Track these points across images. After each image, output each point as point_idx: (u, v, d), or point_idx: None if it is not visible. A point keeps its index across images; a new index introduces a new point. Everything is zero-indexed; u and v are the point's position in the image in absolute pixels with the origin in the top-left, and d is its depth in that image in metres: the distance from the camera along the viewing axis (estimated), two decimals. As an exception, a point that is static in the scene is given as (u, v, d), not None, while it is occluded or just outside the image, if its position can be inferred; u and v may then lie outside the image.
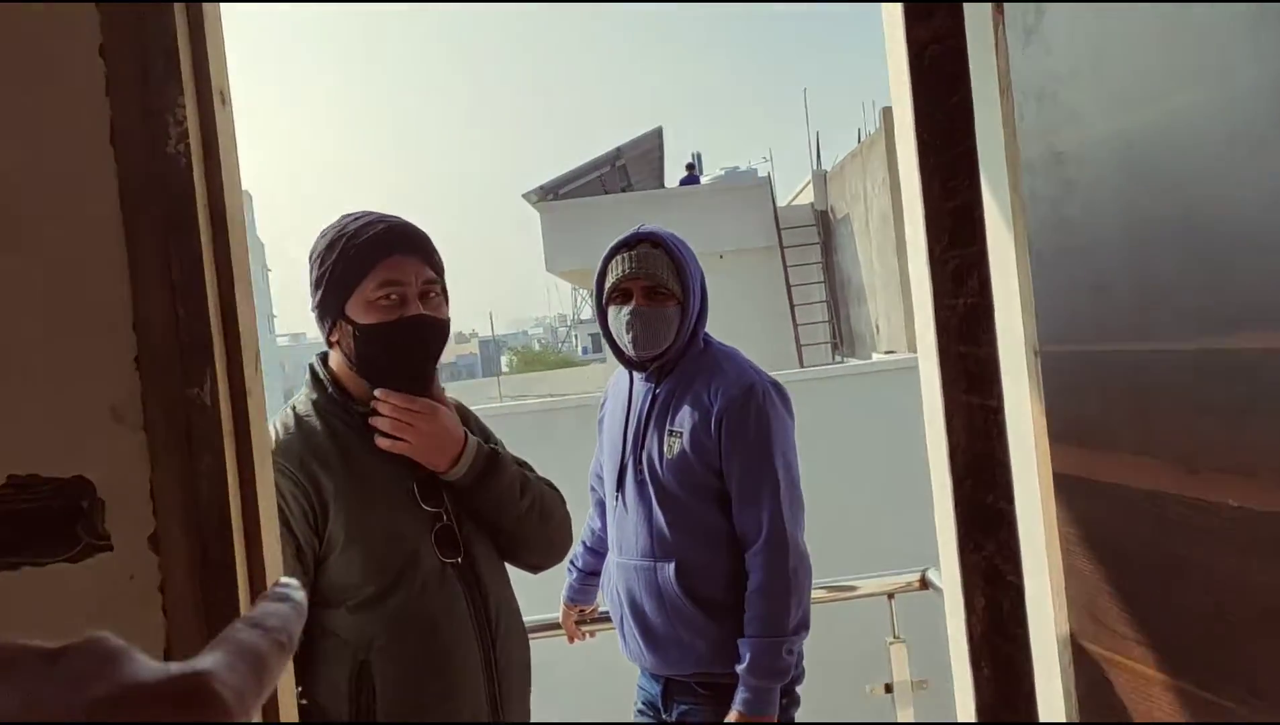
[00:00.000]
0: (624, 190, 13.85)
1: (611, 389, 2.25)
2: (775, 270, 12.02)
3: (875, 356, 9.03)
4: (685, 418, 2.00)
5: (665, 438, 2.02)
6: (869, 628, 2.76)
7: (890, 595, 2.57)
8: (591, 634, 2.36)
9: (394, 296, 1.47)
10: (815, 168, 12.61)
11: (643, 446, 2.05)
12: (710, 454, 1.96)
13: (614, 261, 2.06)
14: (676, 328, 2.02)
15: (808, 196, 12.85)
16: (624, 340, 2.03)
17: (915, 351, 1.67)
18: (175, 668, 0.27)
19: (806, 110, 13.10)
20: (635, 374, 2.11)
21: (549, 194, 12.33)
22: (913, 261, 1.58)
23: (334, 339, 1.53)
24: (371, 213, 1.54)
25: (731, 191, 12.77)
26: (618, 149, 13.06)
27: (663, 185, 15.78)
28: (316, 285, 1.50)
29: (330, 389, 1.53)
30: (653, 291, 2.01)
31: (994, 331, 1.29)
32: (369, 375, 1.51)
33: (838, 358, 11.82)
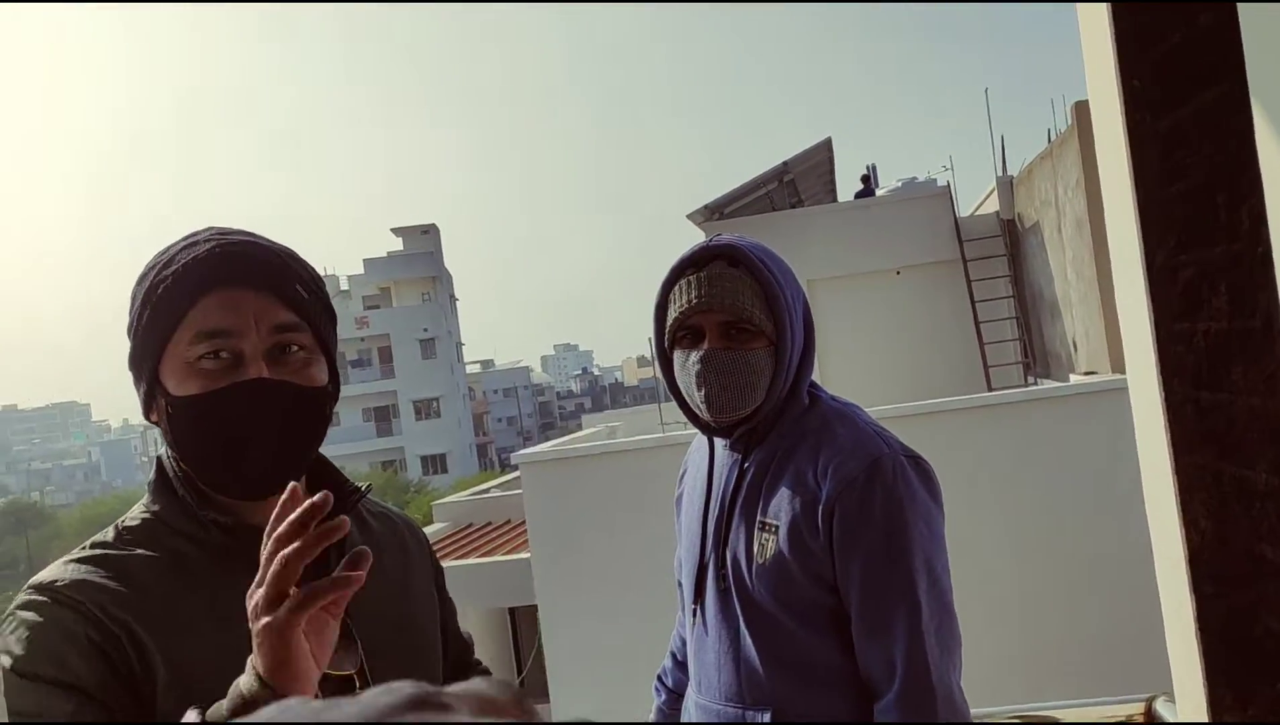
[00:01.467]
0: (793, 206, 13.38)
1: (691, 457, 1.72)
2: (958, 285, 11.25)
3: (1074, 378, 8.20)
4: (782, 505, 1.45)
5: (756, 533, 1.46)
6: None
7: (1100, 732, 1.90)
8: None
9: (223, 354, 0.99)
10: (1000, 174, 11.74)
11: (725, 543, 1.50)
12: (817, 559, 1.41)
13: (677, 288, 1.51)
14: (769, 378, 1.48)
15: (992, 205, 12.01)
16: (695, 397, 1.49)
17: (1120, 372, 1.25)
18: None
19: (989, 112, 12.23)
20: (716, 441, 1.59)
21: (714, 213, 12.01)
22: (1119, 272, 1.13)
23: (154, 417, 1.04)
24: (214, 229, 1.05)
25: (908, 203, 12.09)
26: (785, 163, 12.58)
27: (835, 199, 15.21)
28: (129, 338, 1.04)
29: (181, 491, 1.04)
30: (733, 328, 1.47)
31: (1270, 369, 0.84)
32: (199, 475, 1.03)
33: (1030, 379, 10.92)
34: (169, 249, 1.03)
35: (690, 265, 1.51)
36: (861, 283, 11.57)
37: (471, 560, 8.62)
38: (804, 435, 1.49)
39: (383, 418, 50.50)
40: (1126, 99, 1.02)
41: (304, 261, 1.08)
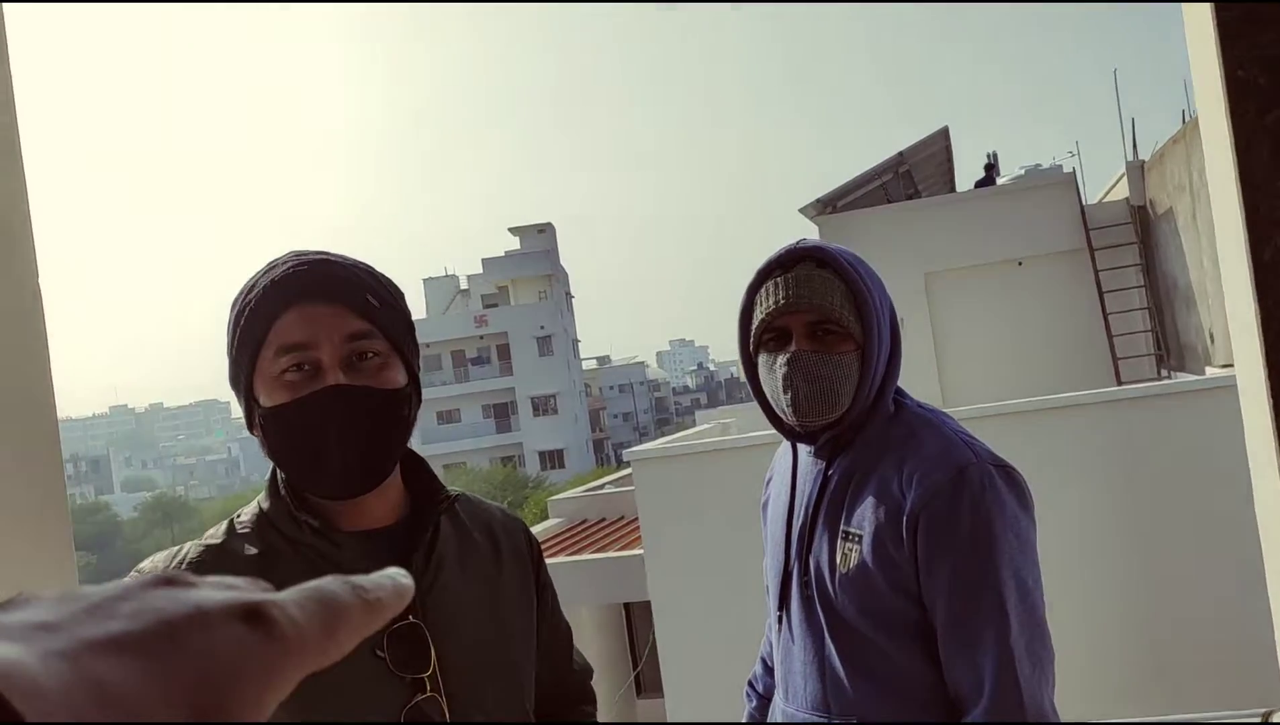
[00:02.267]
0: (909, 197, 13.09)
1: (776, 463, 1.70)
2: (1085, 275, 10.82)
3: (1210, 371, 7.80)
4: (866, 514, 1.42)
5: (839, 542, 1.44)
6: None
7: (1217, 746, 1.80)
8: None
9: (305, 366, 1.06)
10: (1130, 158, 11.22)
11: (809, 552, 1.49)
12: (902, 570, 1.38)
13: (764, 290, 1.49)
14: (855, 383, 1.45)
15: (1122, 191, 11.49)
16: (780, 401, 1.47)
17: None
18: (238, 595, 0.27)
19: (1118, 95, 11.70)
20: (801, 447, 1.57)
21: (827, 207, 11.84)
22: (1226, 266, 1.09)
23: (255, 431, 1.13)
24: (293, 252, 1.14)
25: (1031, 191, 11.67)
26: (900, 153, 12.29)
27: (953, 189, 14.81)
28: (228, 359, 1.13)
29: (283, 492, 1.12)
30: (820, 329, 1.44)
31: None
32: (292, 481, 1.12)
33: (1163, 372, 10.43)
34: (254, 276, 1.13)
35: (777, 267, 1.49)
36: (982, 275, 11.25)
37: (586, 556, 8.74)
38: (889, 443, 1.47)
39: (501, 414, 51.59)
40: (1230, 91, 0.98)
41: (379, 275, 1.15)
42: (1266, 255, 0.95)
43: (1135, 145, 11.53)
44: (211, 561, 1.09)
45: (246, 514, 1.15)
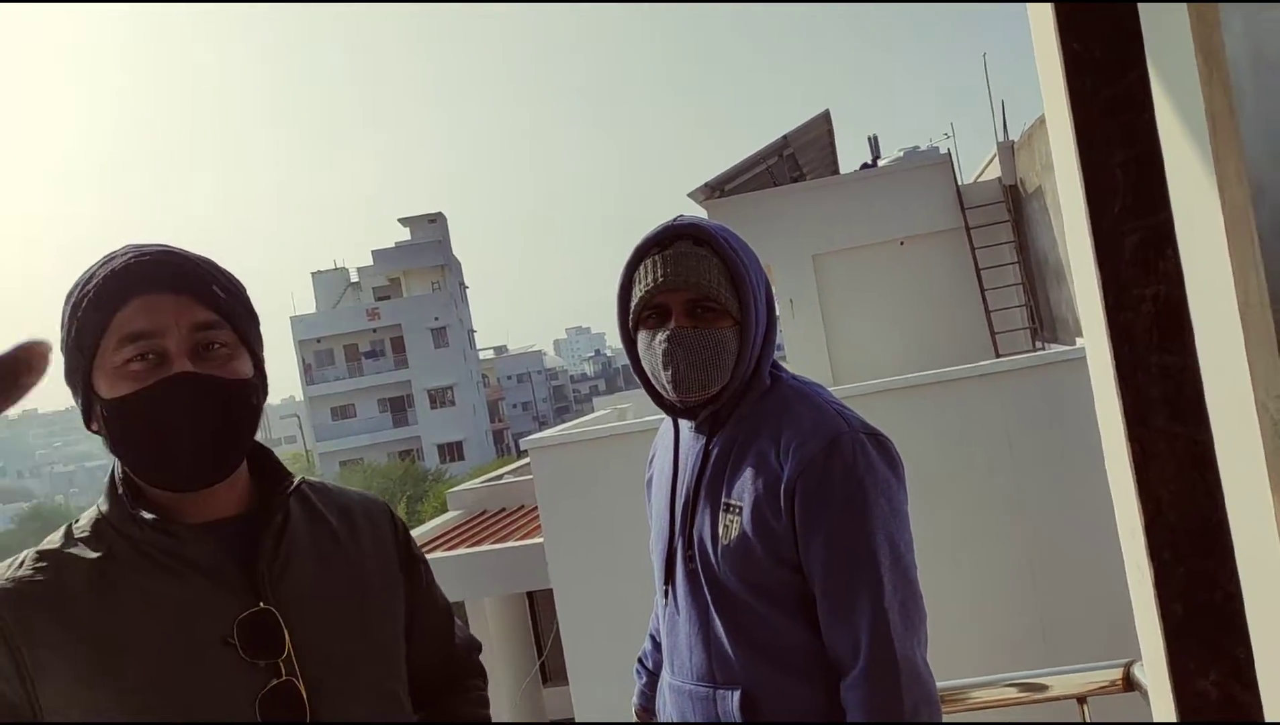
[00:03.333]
0: (795, 180, 13.30)
1: (659, 440, 1.72)
2: (963, 253, 11.19)
3: (1080, 341, 8.17)
4: (745, 486, 1.45)
5: (720, 514, 1.47)
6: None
7: (1082, 699, 1.87)
8: None
9: (149, 355, 1.04)
10: (1001, 139, 11.64)
11: (692, 525, 1.51)
12: (780, 539, 1.41)
13: (642, 267, 1.50)
14: (734, 357, 1.47)
15: (995, 171, 11.92)
16: (661, 377, 1.49)
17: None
18: None
19: (987, 77, 12.11)
20: (682, 423, 1.60)
21: (715, 191, 11.96)
22: (1071, 236, 1.13)
23: (94, 427, 1.10)
24: (131, 245, 1.10)
25: (910, 172, 12.00)
26: (784, 137, 12.48)
27: (837, 171, 15.11)
28: (62, 354, 1.08)
29: (120, 491, 1.09)
30: (698, 306, 1.46)
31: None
32: (138, 474, 1.09)
33: (1038, 344, 10.88)
34: (90, 267, 1.09)
35: (654, 245, 1.50)
36: (866, 255, 11.53)
37: (486, 547, 8.66)
38: (766, 416, 1.49)
39: (398, 408, 50.65)
40: (1068, 64, 1.01)
41: (222, 268, 1.13)
42: (1105, 224, 0.98)
43: (1006, 126, 11.96)
44: (51, 568, 1.05)
45: (84, 518, 1.12)
